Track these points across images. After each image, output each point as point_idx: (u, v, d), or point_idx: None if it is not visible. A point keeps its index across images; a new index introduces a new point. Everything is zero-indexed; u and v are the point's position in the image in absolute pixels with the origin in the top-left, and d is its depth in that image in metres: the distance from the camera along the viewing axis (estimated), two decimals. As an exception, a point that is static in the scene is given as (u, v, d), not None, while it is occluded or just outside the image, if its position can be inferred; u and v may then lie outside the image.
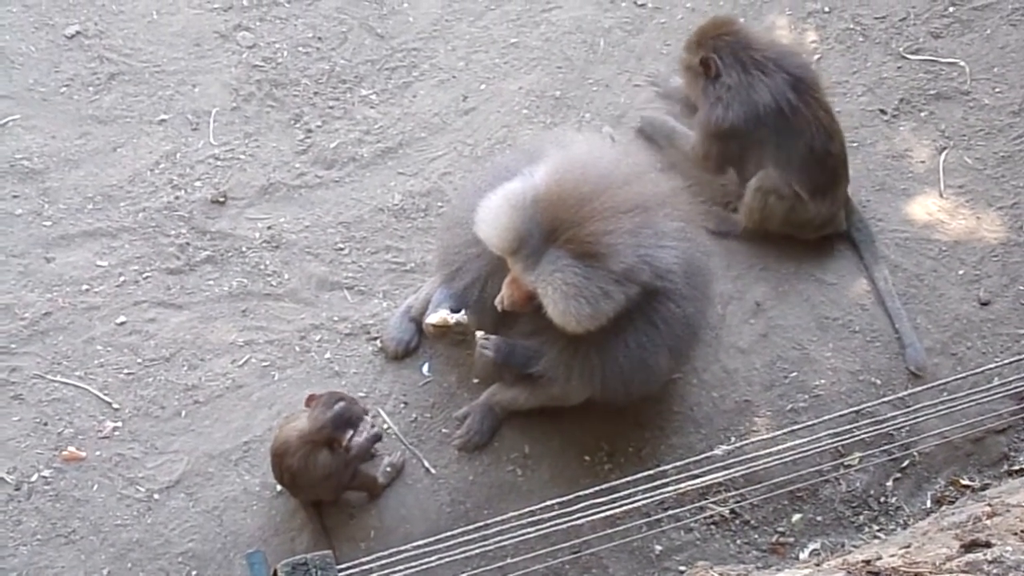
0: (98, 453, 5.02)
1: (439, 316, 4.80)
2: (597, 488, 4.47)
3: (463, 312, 4.82)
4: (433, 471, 5.08)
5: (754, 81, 5.21)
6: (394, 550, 4.08)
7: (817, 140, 5.25)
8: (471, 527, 4.47)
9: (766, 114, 5.23)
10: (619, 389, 4.80)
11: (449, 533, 4.30)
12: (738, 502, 5.08)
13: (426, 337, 5.11)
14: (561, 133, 5.58)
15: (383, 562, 4.11)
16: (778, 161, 5.33)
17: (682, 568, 4.99)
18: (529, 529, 4.42)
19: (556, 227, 4.39)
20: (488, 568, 4.74)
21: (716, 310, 5.33)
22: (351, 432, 4.65)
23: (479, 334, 4.80)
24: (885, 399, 5.20)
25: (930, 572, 3.52)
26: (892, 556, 4.01)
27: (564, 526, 4.45)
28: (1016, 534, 3.81)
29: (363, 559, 4.02)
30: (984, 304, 5.50)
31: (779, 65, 5.22)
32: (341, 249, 5.50)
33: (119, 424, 5.08)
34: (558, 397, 5.01)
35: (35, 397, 5.10)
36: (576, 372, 4.78)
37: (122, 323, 5.27)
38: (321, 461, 4.67)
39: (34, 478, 4.96)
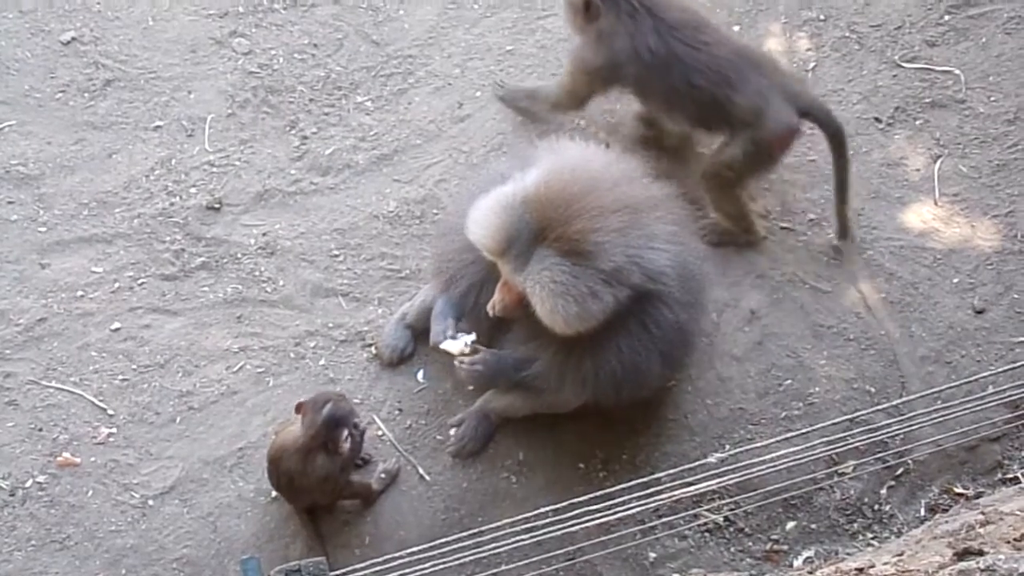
0: (93, 459, 5.02)
1: (458, 345, 4.82)
2: (591, 495, 4.47)
3: (473, 332, 4.84)
4: (428, 478, 5.08)
5: (621, 29, 5.27)
6: (388, 556, 4.08)
7: (679, 79, 5.27)
8: (465, 533, 4.47)
9: (628, 60, 5.28)
10: (610, 394, 4.80)
11: (443, 539, 4.30)
12: (732, 510, 5.08)
13: (425, 345, 5.12)
14: (555, 140, 5.59)
15: (377, 568, 4.11)
16: (648, 102, 5.52)
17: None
18: (523, 536, 4.42)
19: (544, 226, 4.40)
20: (482, 575, 4.75)
21: (710, 317, 5.33)
22: (345, 431, 4.65)
23: (469, 344, 4.83)
24: (879, 407, 5.20)
25: (923, 580, 3.53)
26: (885, 564, 4.01)
27: (558, 533, 4.45)
28: (1009, 542, 3.81)
29: (357, 565, 4.02)
30: (979, 312, 5.51)
31: (651, 12, 5.26)
32: (336, 256, 5.50)
33: (114, 430, 5.09)
34: (552, 403, 5.01)
35: (30, 403, 5.10)
36: (569, 378, 4.79)
37: (117, 329, 5.28)
38: (319, 463, 4.67)
39: (28, 484, 4.96)
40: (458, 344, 4.82)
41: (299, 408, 4.72)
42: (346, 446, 4.66)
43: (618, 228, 4.43)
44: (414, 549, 4.20)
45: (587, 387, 4.80)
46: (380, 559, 4.22)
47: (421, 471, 5.08)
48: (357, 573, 4.19)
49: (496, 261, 4.57)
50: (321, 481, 4.73)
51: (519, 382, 4.91)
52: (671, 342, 4.78)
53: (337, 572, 4.21)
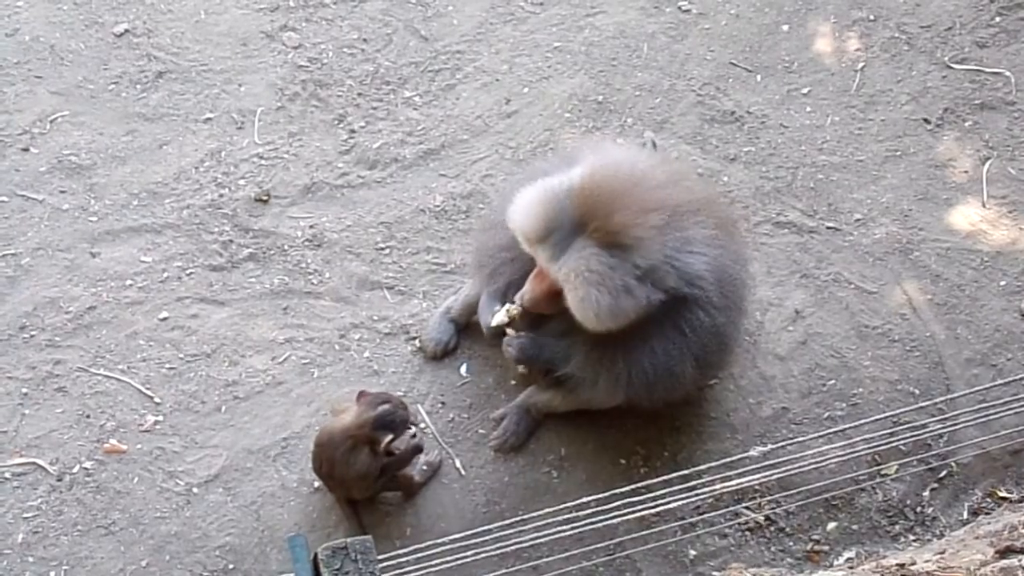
0: (139, 446, 5.07)
1: (502, 315, 4.82)
2: (633, 486, 4.48)
3: (517, 303, 4.84)
4: (469, 471, 5.09)
5: None
6: (430, 542, 4.10)
7: None
8: (507, 523, 4.48)
9: None
10: (642, 395, 4.78)
11: (485, 528, 4.32)
12: (773, 509, 5.07)
13: (468, 339, 5.13)
14: (601, 139, 5.60)
15: (419, 555, 4.13)
16: None
17: (715, 574, 4.97)
18: (564, 527, 4.42)
19: (586, 219, 4.39)
20: (522, 567, 4.76)
21: (751, 319, 5.31)
22: (391, 436, 4.67)
23: (508, 331, 4.83)
24: (923, 408, 5.17)
25: (964, 577, 3.52)
26: (927, 561, 4.01)
27: (599, 526, 4.46)
28: (1053, 543, 3.80)
29: (399, 551, 4.03)
30: (1026, 315, 5.49)
31: None
32: (382, 249, 5.53)
33: (160, 418, 5.13)
34: (591, 400, 5.01)
35: (78, 390, 5.16)
36: (603, 376, 4.77)
37: (164, 318, 5.33)
38: (360, 459, 4.70)
39: (76, 469, 5.01)
40: (501, 314, 4.82)
41: (360, 396, 4.76)
42: (394, 445, 4.69)
43: (657, 227, 4.41)
44: (456, 536, 4.22)
45: (619, 387, 4.78)
46: (422, 546, 4.23)
47: (458, 465, 5.10)
48: (398, 559, 4.21)
49: (534, 249, 4.56)
50: (359, 477, 4.76)
51: (558, 378, 4.91)
52: (706, 346, 4.74)
53: (384, 556, 4.22)
